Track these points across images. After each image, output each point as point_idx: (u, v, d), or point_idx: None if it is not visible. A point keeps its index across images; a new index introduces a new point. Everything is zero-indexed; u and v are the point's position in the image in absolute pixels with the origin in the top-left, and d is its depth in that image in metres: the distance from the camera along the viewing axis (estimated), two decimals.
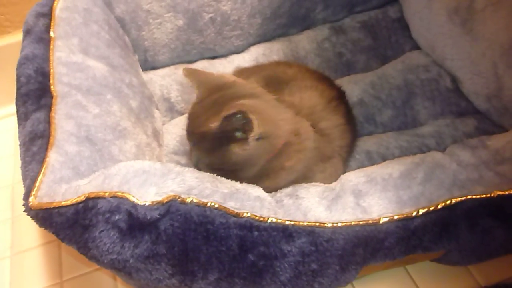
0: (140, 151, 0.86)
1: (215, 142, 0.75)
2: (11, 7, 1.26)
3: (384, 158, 1.00)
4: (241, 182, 0.75)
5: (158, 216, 0.59)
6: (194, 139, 0.80)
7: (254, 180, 0.77)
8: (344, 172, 0.87)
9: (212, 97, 0.80)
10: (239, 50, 1.27)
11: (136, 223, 0.59)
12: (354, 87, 1.13)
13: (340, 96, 0.97)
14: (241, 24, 1.23)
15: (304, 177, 0.81)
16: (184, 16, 1.18)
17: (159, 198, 0.61)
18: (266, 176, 0.79)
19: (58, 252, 1.04)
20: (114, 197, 0.60)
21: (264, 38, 1.28)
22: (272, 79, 0.98)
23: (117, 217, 0.59)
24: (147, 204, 0.60)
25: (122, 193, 0.60)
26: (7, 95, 1.29)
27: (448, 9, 1.09)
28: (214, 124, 0.75)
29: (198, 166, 0.80)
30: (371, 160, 1.00)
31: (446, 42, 1.11)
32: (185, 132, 1.10)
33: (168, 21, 1.18)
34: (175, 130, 1.12)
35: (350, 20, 1.31)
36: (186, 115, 1.13)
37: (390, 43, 1.26)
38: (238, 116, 0.71)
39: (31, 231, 1.08)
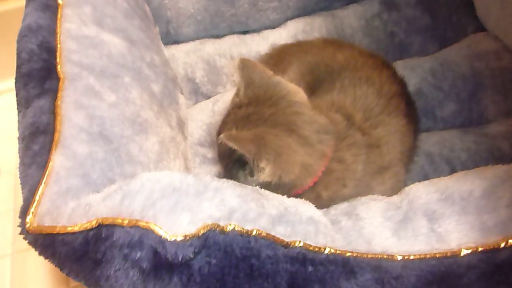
0: (164, 148, 0.72)
1: (228, 159, 0.67)
2: None
3: (448, 162, 0.85)
4: None
5: (192, 256, 0.45)
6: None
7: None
8: (405, 179, 0.73)
9: (252, 109, 0.68)
10: (275, 25, 1.12)
11: (163, 263, 0.45)
12: (411, 74, 0.97)
13: (402, 92, 0.81)
14: None
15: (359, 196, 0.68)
16: None
17: (193, 229, 0.47)
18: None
19: None
20: (135, 227, 0.46)
21: (304, 11, 1.12)
22: (320, 67, 0.82)
23: (138, 255, 0.45)
24: (178, 239, 0.45)
25: (146, 222, 0.46)
26: (9, 67, 1.15)
27: None
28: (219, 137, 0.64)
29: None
30: (434, 164, 0.85)
31: None
32: (212, 120, 0.98)
33: None
34: (200, 116, 0.98)
35: None
36: (217, 97, 1.01)
37: (450, 23, 1.09)
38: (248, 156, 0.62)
39: None
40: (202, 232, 0.47)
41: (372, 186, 0.71)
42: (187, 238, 0.46)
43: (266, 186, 0.62)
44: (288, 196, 0.64)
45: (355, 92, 0.76)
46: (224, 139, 0.60)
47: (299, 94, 0.70)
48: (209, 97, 1.03)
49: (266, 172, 0.62)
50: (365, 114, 0.74)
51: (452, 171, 0.83)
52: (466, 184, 0.66)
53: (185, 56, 1.05)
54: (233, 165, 0.65)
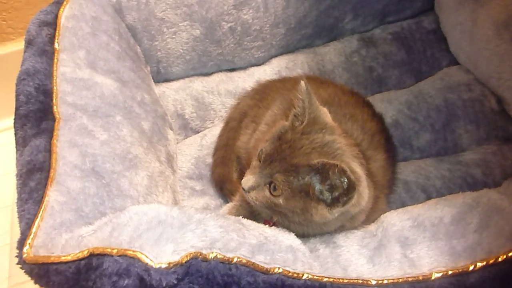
0: (153, 182, 0.76)
1: (301, 184, 0.64)
2: (14, 13, 1.16)
3: (424, 190, 0.90)
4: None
5: (175, 282, 0.49)
6: (279, 162, 0.65)
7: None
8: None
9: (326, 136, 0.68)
10: (259, 62, 1.17)
11: None
12: (388, 106, 1.02)
13: (381, 128, 0.86)
14: (263, 35, 1.13)
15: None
16: (201, 25, 1.08)
17: (177, 258, 0.51)
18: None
19: None
20: (123, 256, 0.50)
21: (287, 49, 1.18)
22: None
23: (126, 282, 0.49)
24: (162, 266, 0.49)
25: (133, 251, 0.50)
26: (8, 106, 1.19)
27: (496, 22, 0.98)
28: (315, 162, 0.62)
29: (256, 189, 0.67)
30: (410, 192, 0.90)
31: (491, 58, 1.00)
32: (200, 154, 1.02)
33: (183, 31, 1.08)
34: (189, 151, 1.02)
35: (380, 31, 1.20)
36: (205, 132, 1.05)
37: (425, 57, 1.15)
38: (343, 180, 0.61)
39: None
40: (185, 260, 0.51)
41: (371, 218, 0.73)
42: (171, 265, 0.50)
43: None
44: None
45: (344, 127, 0.76)
46: (344, 172, 0.60)
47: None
48: (198, 132, 1.08)
49: (351, 201, 0.63)
50: (356, 150, 0.72)
51: (428, 198, 0.87)
52: (437, 211, 0.70)
53: (175, 94, 1.10)
54: (305, 190, 0.64)
